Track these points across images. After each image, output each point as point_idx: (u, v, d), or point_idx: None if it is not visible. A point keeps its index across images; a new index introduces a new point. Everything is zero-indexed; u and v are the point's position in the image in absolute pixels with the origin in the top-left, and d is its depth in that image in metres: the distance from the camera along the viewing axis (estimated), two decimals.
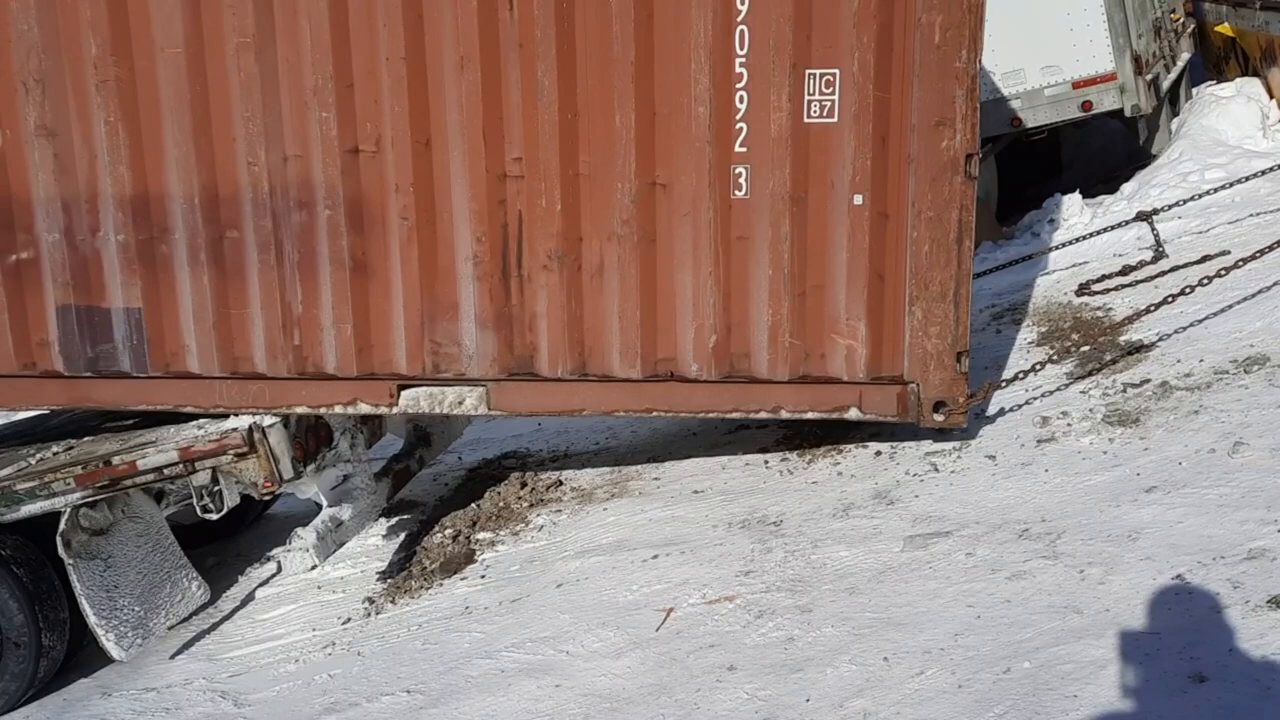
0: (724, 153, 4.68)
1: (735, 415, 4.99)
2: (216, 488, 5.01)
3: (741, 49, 4.59)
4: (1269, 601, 3.26)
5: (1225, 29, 9.93)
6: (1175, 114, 9.89)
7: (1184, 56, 10.50)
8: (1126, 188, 8.70)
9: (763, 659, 3.83)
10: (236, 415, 5.08)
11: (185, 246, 4.98)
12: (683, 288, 4.80)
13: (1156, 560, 3.68)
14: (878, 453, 5.32)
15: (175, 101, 4.86)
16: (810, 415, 4.95)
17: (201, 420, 5.15)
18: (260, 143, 4.86)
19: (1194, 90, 10.15)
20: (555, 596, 4.81)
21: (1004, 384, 4.92)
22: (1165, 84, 9.57)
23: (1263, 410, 4.52)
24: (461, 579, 5.34)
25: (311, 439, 5.23)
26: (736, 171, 4.68)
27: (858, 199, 4.66)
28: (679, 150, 4.70)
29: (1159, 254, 6.96)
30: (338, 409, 5.11)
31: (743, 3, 4.55)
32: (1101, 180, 9.30)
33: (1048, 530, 4.13)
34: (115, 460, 4.97)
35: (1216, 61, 10.47)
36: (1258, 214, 7.21)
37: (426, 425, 6.21)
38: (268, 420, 5.01)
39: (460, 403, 5.03)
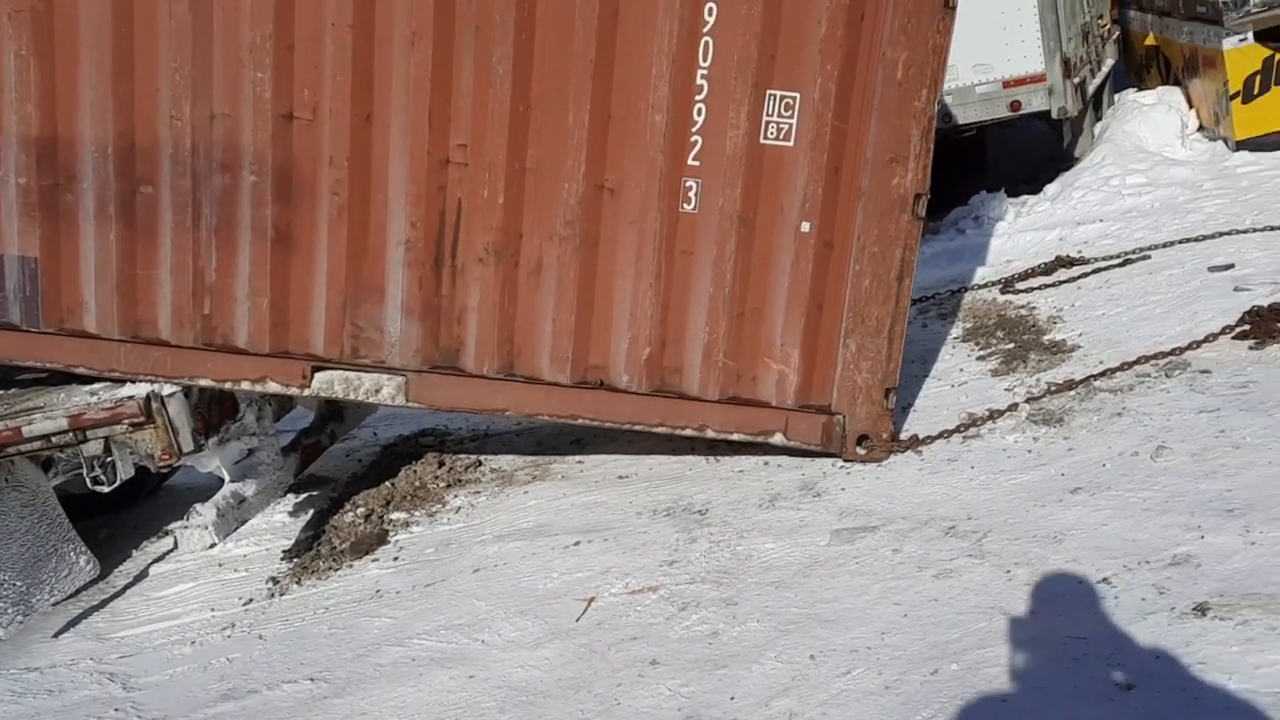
0: (677, 164, 4.57)
1: (661, 430, 4.90)
2: (109, 459, 4.72)
3: (705, 60, 4.49)
4: (1195, 608, 3.26)
5: (1150, 38, 10.13)
6: (1099, 118, 10.06)
7: (1109, 62, 10.68)
8: (1050, 188, 8.82)
9: (686, 653, 3.73)
10: (134, 382, 4.79)
11: (93, 198, 4.70)
12: (621, 296, 4.69)
13: (1082, 563, 3.68)
14: None
15: (96, 41, 4.57)
16: (736, 437, 4.90)
17: (96, 386, 4.84)
18: (186, 96, 4.59)
19: (1117, 96, 10.34)
20: (472, 582, 4.64)
21: (930, 440, 4.86)
22: (1091, 88, 9.72)
23: (1184, 415, 4.56)
24: (373, 560, 5.13)
25: (215, 411, 4.97)
26: (687, 184, 4.58)
27: (805, 226, 4.60)
28: (631, 156, 4.57)
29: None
30: (245, 385, 4.87)
31: (711, 13, 4.44)
32: (1025, 180, 9.41)
33: (974, 528, 4.11)
34: None
35: (1139, 69, 10.69)
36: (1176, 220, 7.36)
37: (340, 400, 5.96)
38: (168, 389, 4.73)
39: (377, 391, 4.84)
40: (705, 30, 4.46)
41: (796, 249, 4.64)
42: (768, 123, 4.53)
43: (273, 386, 4.86)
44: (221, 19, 4.53)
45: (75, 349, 4.83)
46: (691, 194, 4.59)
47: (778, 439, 4.86)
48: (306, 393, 4.86)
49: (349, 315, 4.74)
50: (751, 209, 4.60)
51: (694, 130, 4.55)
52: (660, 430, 4.91)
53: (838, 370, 4.75)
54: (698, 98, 4.53)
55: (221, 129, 4.61)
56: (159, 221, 4.68)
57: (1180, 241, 6.82)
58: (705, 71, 4.50)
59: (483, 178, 4.61)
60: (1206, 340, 5.12)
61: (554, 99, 4.54)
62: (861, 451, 4.82)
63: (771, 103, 4.51)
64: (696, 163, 4.57)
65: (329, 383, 4.84)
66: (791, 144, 4.54)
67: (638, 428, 4.93)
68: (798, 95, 4.51)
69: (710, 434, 4.88)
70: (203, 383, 4.87)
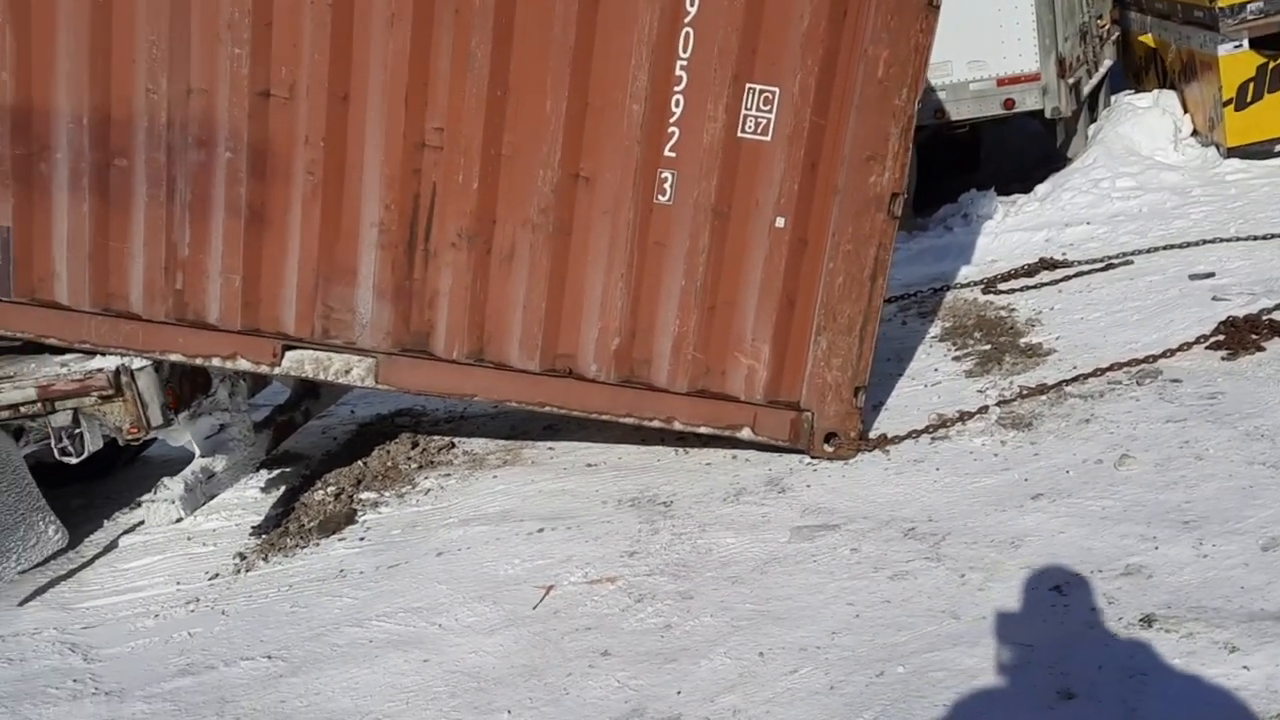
0: (653, 155, 4.55)
1: (629, 420, 4.90)
2: (78, 430, 4.72)
3: (685, 51, 4.46)
4: (1141, 620, 3.28)
5: (1148, 39, 10.09)
6: (1093, 119, 10.03)
7: (1106, 63, 10.64)
8: (1040, 189, 8.81)
9: (638, 646, 3.75)
10: (105, 354, 4.79)
11: (67, 168, 4.68)
12: (593, 286, 4.68)
13: (1036, 569, 3.69)
14: None
15: (73, 10, 4.54)
16: (703, 430, 4.90)
17: (66, 357, 4.84)
18: (163, 70, 4.57)
19: (1113, 98, 10.31)
20: (434, 565, 4.66)
21: (898, 440, 4.87)
22: (1086, 89, 9.69)
23: (1151, 424, 4.57)
24: (340, 540, 5.14)
25: (186, 385, 4.97)
26: (663, 176, 4.56)
27: (780, 221, 4.58)
28: (607, 145, 4.55)
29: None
30: (215, 361, 4.87)
31: (692, 4, 4.41)
32: (1017, 179, 9.39)
33: (933, 531, 4.12)
34: None
35: (1137, 71, 10.65)
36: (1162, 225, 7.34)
37: None
38: (138, 363, 4.73)
39: (347, 371, 4.84)
40: (686, 20, 4.44)
41: (770, 244, 4.63)
42: (746, 116, 4.51)
43: (243, 364, 4.86)
44: None
45: (46, 319, 4.82)
46: (667, 185, 4.58)
47: (745, 434, 4.87)
48: (277, 371, 4.87)
49: (321, 295, 4.74)
50: (726, 202, 4.59)
51: (671, 121, 4.53)
52: (628, 421, 4.92)
53: (808, 367, 4.75)
54: (676, 89, 4.50)
55: (198, 104, 4.59)
56: (133, 195, 4.67)
57: (1164, 248, 6.82)
58: (685, 63, 4.48)
59: (458, 162, 4.60)
60: (1180, 349, 5.13)
61: (532, 85, 4.52)
62: (829, 449, 4.83)
63: (750, 96, 4.49)
64: (673, 154, 4.55)
65: (299, 362, 4.84)
66: (769, 138, 4.53)
67: (605, 417, 4.94)
68: (777, 90, 4.49)
69: (678, 426, 4.89)
70: (173, 358, 4.86)
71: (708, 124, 4.52)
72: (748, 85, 4.48)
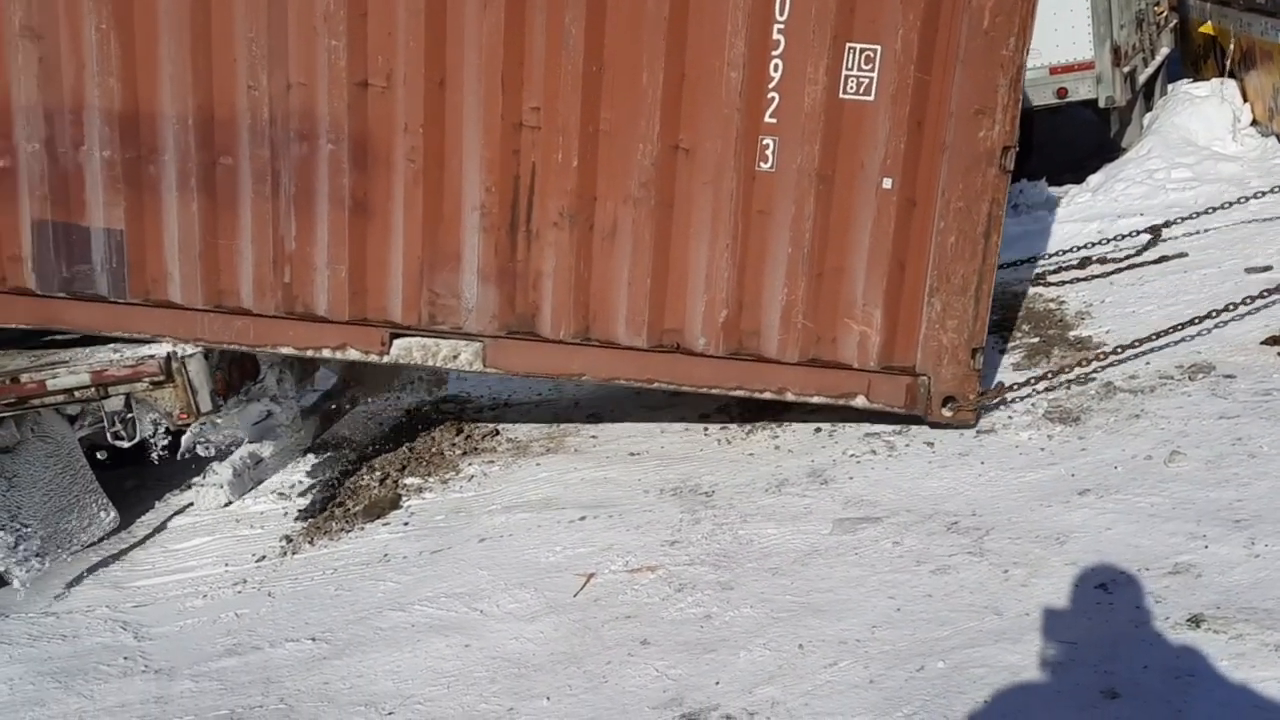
0: (753, 122, 4.50)
1: (739, 393, 4.86)
2: (129, 415, 4.82)
3: (781, 14, 4.39)
4: (1189, 620, 3.22)
5: (1207, 27, 9.86)
6: (1149, 108, 9.83)
7: (1163, 51, 10.42)
8: (1093, 179, 8.66)
9: (678, 635, 3.75)
10: (157, 341, 4.88)
11: (175, 169, 4.74)
12: (697, 259, 4.64)
13: (1081, 566, 3.64)
14: (817, 429, 5.24)
15: (174, 13, 4.59)
16: (816, 399, 4.84)
17: (119, 344, 4.93)
18: (263, 67, 4.60)
19: (1170, 86, 10.09)
20: (477, 551, 4.70)
21: (1016, 386, 4.84)
22: (1142, 77, 9.49)
23: (1202, 420, 4.48)
24: (384, 524, 5.21)
25: (235, 372, 5.06)
26: (764, 143, 4.51)
27: (887, 182, 4.51)
28: (706, 115, 4.50)
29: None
30: (325, 353, 4.93)
31: None
32: (1069, 169, 9.23)
33: (977, 525, 4.08)
34: (24, 378, 4.76)
35: (1195, 59, 10.41)
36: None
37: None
38: (188, 349, 4.81)
39: (455, 357, 4.86)
40: None
41: (878, 206, 4.54)
42: (847, 77, 4.42)
43: (353, 354, 4.90)
44: None
45: (160, 319, 4.88)
46: (768, 152, 4.52)
47: (859, 401, 4.81)
48: (385, 360, 4.88)
49: (426, 282, 4.75)
50: (830, 166, 4.51)
51: (770, 87, 4.46)
52: (738, 394, 4.88)
53: (922, 330, 4.66)
54: (774, 53, 4.42)
55: (298, 98, 4.61)
56: (239, 192, 4.72)
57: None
58: (782, 26, 4.40)
59: (556, 141, 4.57)
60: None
61: (627, 59, 4.48)
62: (947, 413, 4.75)
63: (851, 56, 4.40)
64: (773, 120, 4.49)
65: (407, 349, 4.86)
66: (872, 98, 4.44)
67: (715, 391, 4.89)
68: (879, 47, 4.39)
69: (790, 397, 4.83)
70: (285, 351, 4.96)
71: (808, 87, 4.44)
72: (848, 45, 4.39)
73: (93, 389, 4.77)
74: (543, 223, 4.65)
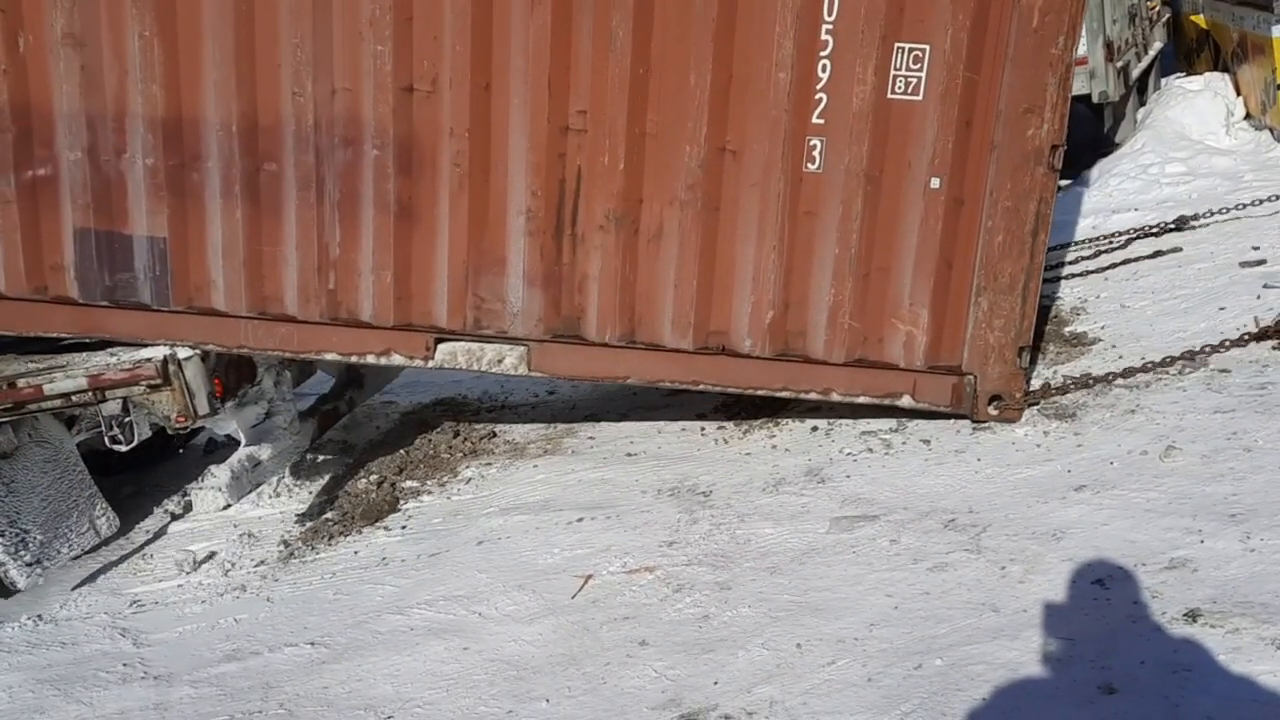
0: (800, 123, 4.49)
1: (785, 394, 4.86)
2: (127, 419, 4.82)
3: (830, 15, 4.38)
4: (1185, 615, 3.23)
5: (1200, 20, 9.87)
6: (1143, 103, 9.84)
7: (1156, 45, 10.42)
8: (1087, 174, 8.66)
9: (676, 636, 3.76)
10: (153, 345, 4.87)
11: (219, 176, 4.70)
12: (744, 260, 4.63)
13: (1078, 562, 3.65)
14: (814, 428, 5.25)
15: (218, 19, 4.55)
16: (862, 399, 4.85)
17: (116, 348, 4.93)
18: (307, 72, 4.57)
19: (1163, 81, 10.10)
20: (475, 554, 4.70)
21: (1063, 386, 4.85)
22: (1135, 72, 9.50)
23: (1198, 415, 4.49)
24: (382, 528, 5.22)
25: (232, 374, 5.05)
26: (811, 143, 4.50)
27: (935, 182, 4.50)
28: (753, 116, 4.49)
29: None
30: (370, 359, 4.91)
31: None
32: (1063, 164, 9.21)
33: (974, 522, 4.09)
34: (20, 383, 4.76)
35: (1188, 53, 10.42)
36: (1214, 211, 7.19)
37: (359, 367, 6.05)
38: (184, 352, 4.81)
39: (499, 361, 4.84)
40: None
41: (925, 206, 4.54)
42: (895, 77, 4.41)
43: (397, 359, 4.88)
44: None
45: (204, 326, 4.85)
46: (816, 153, 4.51)
47: (905, 401, 4.82)
48: (430, 364, 4.87)
49: (471, 286, 4.73)
50: (878, 166, 4.51)
51: (818, 87, 4.45)
52: (784, 395, 4.88)
53: (968, 330, 4.66)
54: (822, 53, 4.41)
55: (343, 104, 4.59)
56: (283, 198, 4.68)
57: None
58: (830, 26, 4.39)
59: (603, 143, 4.56)
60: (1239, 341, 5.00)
61: (674, 61, 4.46)
62: (994, 412, 4.75)
63: (899, 56, 4.39)
64: (821, 121, 4.48)
65: (452, 354, 4.85)
66: (920, 98, 4.43)
67: (761, 392, 4.89)
68: (927, 47, 4.38)
69: (835, 398, 4.84)
70: (329, 357, 4.96)
71: (856, 87, 4.43)
72: (896, 44, 4.38)
73: (90, 393, 4.76)
74: (588, 226, 4.64)
